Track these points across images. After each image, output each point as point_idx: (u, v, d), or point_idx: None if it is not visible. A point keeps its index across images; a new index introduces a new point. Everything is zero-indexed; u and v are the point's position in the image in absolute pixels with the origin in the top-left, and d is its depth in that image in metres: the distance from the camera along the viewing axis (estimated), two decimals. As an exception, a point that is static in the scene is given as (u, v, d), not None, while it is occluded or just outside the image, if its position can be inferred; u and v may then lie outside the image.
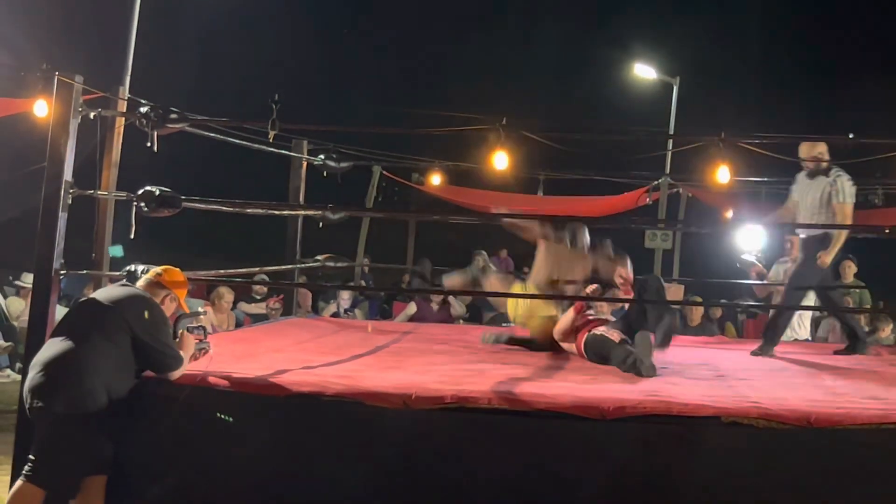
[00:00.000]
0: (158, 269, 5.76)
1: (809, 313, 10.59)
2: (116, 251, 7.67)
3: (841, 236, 7.98)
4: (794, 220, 8.37)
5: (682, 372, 6.64)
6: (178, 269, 5.84)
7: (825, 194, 7.96)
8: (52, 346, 5.22)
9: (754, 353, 8.03)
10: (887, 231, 8.18)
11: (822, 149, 8.04)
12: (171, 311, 5.76)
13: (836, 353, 8.38)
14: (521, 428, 5.09)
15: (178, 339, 5.62)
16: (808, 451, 4.94)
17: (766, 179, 13.00)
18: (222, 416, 5.20)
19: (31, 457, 5.11)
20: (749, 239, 9.80)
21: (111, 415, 5.13)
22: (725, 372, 6.73)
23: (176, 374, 5.41)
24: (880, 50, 22.53)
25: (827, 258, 7.92)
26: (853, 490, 4.89)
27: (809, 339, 10.54)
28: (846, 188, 7.91)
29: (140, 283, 5.71)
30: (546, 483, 5.00)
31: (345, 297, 12.73)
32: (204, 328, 6.01)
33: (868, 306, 11.51)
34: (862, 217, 9.19)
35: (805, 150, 8.06)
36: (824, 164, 8.03)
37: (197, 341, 5.80)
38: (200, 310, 6.98)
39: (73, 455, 5.08)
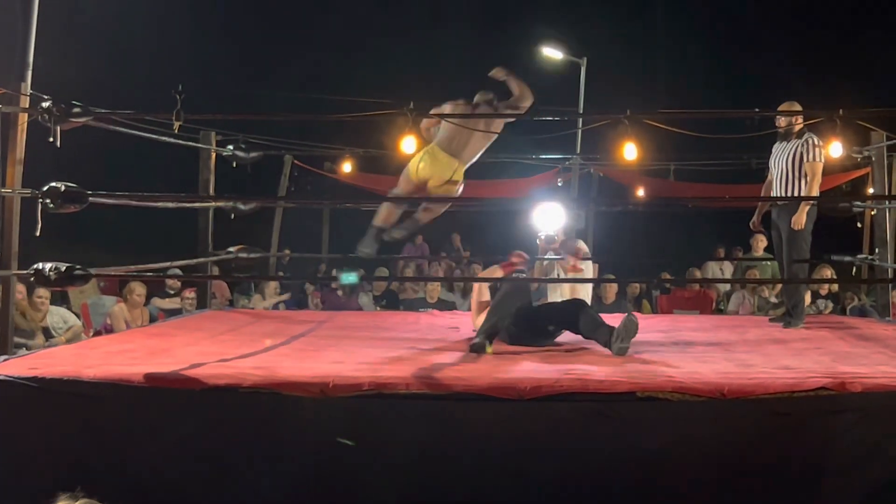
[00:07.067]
0: None
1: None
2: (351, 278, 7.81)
3: (812, 191, 8.06)
4: (770, 192, 8.47)
5: (597, 350, 6.72)
6: None
7: (797, 155, 8.06)
8: None
9: (786, 326, 8.18)
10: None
11: (798, 108, 8.12)
12: None
13: (772, 321, 8.63)
14: (440, 412, 5.09)
15: None
16: (723, 422, 5.03)
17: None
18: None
19: None
20: (547, 218, 9.83)
21: None
22: (640, 348, 6.82)
23: None
24: (791, 23, 22.78)
25: (800, 218, 7.99)
26: (768, 456, 4.99)
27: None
28: (817, 148, 8.00)
29: None
30: (468, 466, 5.01)
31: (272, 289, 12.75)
32: None
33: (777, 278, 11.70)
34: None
35: (784, 107, 8.10)
36: (797, 127, 8.13)
37: None
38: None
39: None
